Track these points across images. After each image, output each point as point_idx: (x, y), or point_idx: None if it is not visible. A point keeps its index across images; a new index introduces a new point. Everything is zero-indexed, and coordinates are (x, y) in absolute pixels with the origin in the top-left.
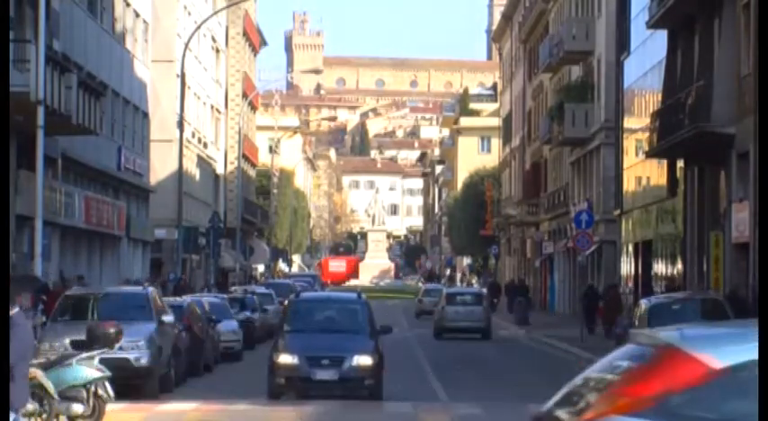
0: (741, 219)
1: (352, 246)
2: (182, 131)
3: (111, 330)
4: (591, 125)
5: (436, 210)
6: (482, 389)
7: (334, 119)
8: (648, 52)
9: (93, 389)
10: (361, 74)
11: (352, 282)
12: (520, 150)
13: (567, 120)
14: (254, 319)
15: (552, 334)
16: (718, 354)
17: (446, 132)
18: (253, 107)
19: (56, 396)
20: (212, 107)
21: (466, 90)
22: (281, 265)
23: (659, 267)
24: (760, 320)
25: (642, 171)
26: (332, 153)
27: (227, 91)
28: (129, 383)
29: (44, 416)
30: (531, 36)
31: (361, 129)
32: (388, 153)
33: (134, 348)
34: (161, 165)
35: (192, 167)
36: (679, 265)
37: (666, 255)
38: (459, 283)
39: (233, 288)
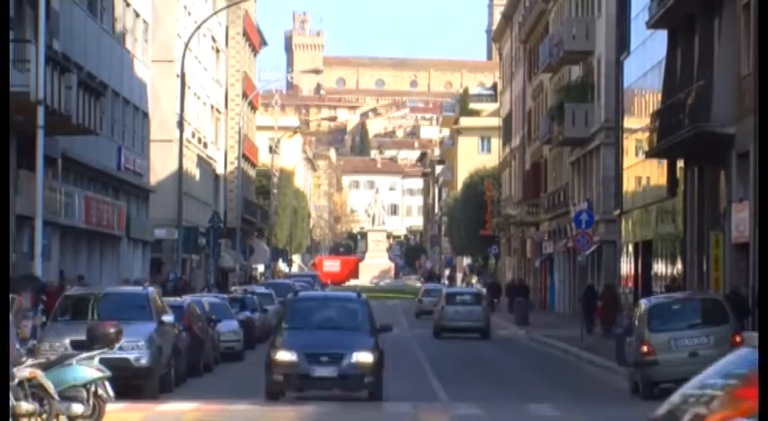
0: (741, 219)
1: (352, 246)
2: (182, 131)
3: (111, 330)
4: (591, 125)
5: (436, 210)
6: (482, 388)
7: (334, 119)
8: (648, 52)
9: (93, 389)
10: (361, 74)
11: (352, 282)
12: (520, 150)
13: (567, 120)
14: (254, 319)
15: (552, 334)
16: None
17: (446, 132)
18: (253, 107)
19: (56, 396)
20: (212, 107)
21: (466, 90)
22: (281, 265)
23: (659, 267)
24: (760, 320)
25: (642, 171)
26: (332, 153)
27: (227, 91)
28: (129, 383)
29: (44, 416)
30: (531, 36)
31: (361, 129)
32: (388, 153)
33: (134, 348)
34: (161, 165)
35: (192, 167)
36: (679, 265)
37: (666, 255)
38: (461, 283)
39: (233, 288)
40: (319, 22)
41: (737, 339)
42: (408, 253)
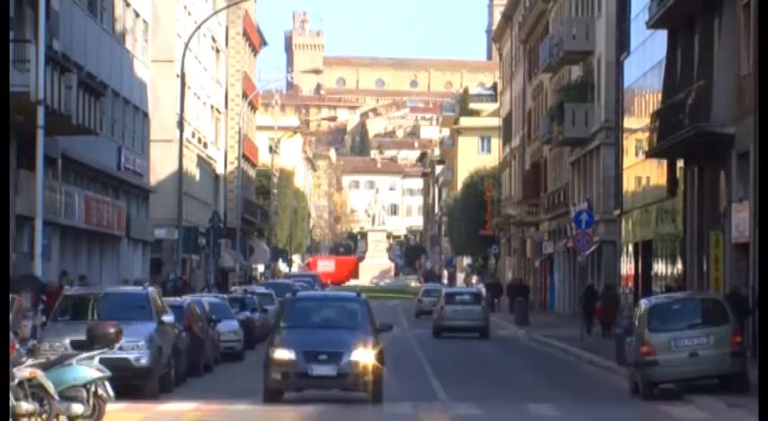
0: (741, 219)
1: (352, 246)
2: (182, 131)
3: (111, 330)
4: (591, 125)
5: (436, 210)
6: (482, 388)
7: (334, 119)
8: (648, 52)
9: (93, 389)
10: (361, 74)
11: (352, 282)
12: (520, 150)
13: (567, 120)
14: (254, 319)
15: (552, 334)
16: None
17: (446, 132)
18: (253, 107)
19: (56, 396)
20: (212, 107)
21: (466, 90)
22: (282, 265)
23: (659, 267)
24: (760, 320)
25: (642, 171)
26: (332, 153)
27: (227, 91)
28: (129, 383)
29: (44, 416)
30: (531, 36)
31: (361, 129)
32: (388, 153)
33: (134, 348)
34: (161, 165)
35: (192, 167)
36: (679, 265)
37: (666, 255)
38: (463, 283)
39: (233, 288)
40: (319, 22)
41: (737, 339)
42: (408, 253)
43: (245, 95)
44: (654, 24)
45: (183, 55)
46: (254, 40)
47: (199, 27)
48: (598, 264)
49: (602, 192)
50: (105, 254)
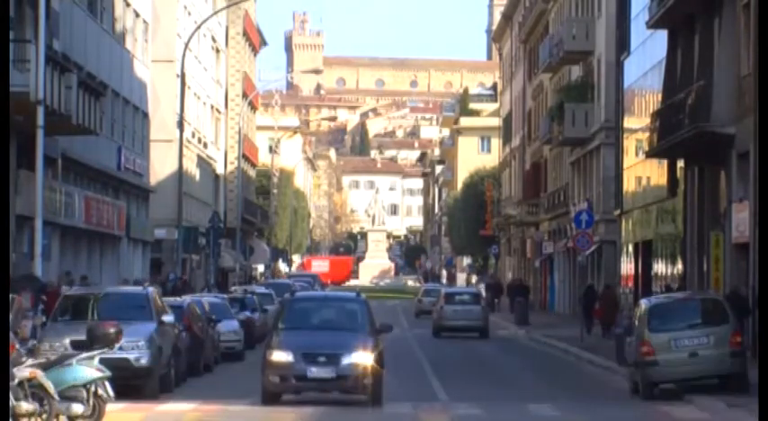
0: (741, 219)
1: (352, 246)
2: (182, 131)
3: (111, 330)
4: (591, 125)
5: (436, 210)
6: (482, 388)
7: (334, 119)
8: (648, 52)
9: (93, 389)
10: (361, 74)
11: (352, 282)
12: (520, 150)
13: (567, 120)
14: (254, 319)
15: (552, 334)
16: None
17: (446, 132)
18: (253, 107)
19: (56, 396)
20: (212, 107)
21: (466, 90)
22: (281, 265)
23: (659, 267)
24: (760, 320)
25: (642, 171)
26: (332, 153)
27: (227, 91)
28: (129, 383)
29: (44, 416)
30: (531, 36)
31: (361, 129)
32: (388, 153)
33: (134, 348)
34: (161, 165)
35: (192, 167)
36: (679, 265)
37: (666, 255)
38: (464, 283)
39: (233, 288)
40: (319, 22)
41: (737, 339)
42: (408, 253)
43: (245, 95)
44: (654, 24)
45: (183, 55)
46: (254, 40)
47: (199, 27)
48: (598, 264)
49: (602, 192)
50: (105, 254)
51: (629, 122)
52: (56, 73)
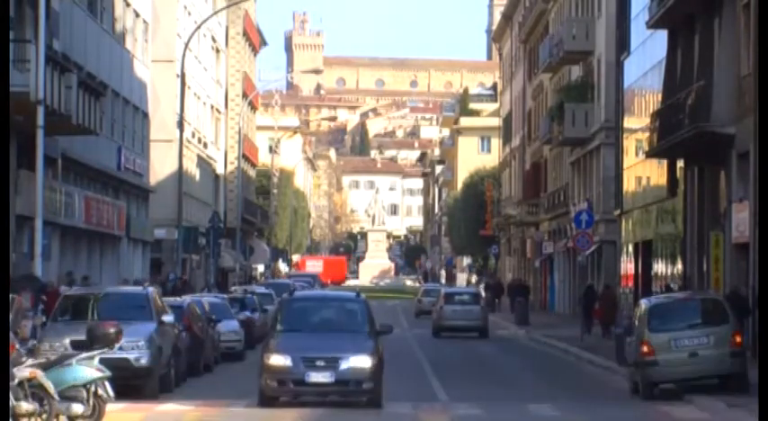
0: (741, 219)
1: (351, 246)
2: (182, 131)
3: (111, 330)
4: (591, 125)
5: (436, 210)
6: (482, 388)
7: (334, 119)
8: (648, 52)
9: (93, 389)
10: (361, 74)
11: (352, 282)
12: (520, 150)
13: (567, 120)
14: (254, 319)
15: (552, 334)
16: None
17: (446, 132)
18: (253, 107)
19: (56, 396)
20: (212, 107)
21: (466, 90)
22: (281, 265)
23: (659, 267)
24: (760, 320)
25: (642, 171)
26: (332, 153)
27: (227, 91)
28: (129, 383)
29: (44, 416)
30: (531, 36)
31: (361, 129)
32: (388, 153)
33: (134, 348)
34: (161, 165)
35: (192, 167)
36: (679, 265)
37: (666, 255)
38: (465, 283)
39: (233, 288)
40: (319, 22)
41: (737, 339)
42: (408, 253)
43: (245, 95)
44: (654, 24)
45: (183, 55)
46: (254, 40)
47: (199, 27)
48: (598, 264)
49: (602, 192)
50: (105, 254)
51: (629, 122)
52: (56, 73)
